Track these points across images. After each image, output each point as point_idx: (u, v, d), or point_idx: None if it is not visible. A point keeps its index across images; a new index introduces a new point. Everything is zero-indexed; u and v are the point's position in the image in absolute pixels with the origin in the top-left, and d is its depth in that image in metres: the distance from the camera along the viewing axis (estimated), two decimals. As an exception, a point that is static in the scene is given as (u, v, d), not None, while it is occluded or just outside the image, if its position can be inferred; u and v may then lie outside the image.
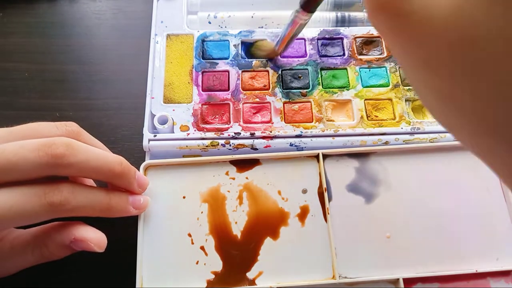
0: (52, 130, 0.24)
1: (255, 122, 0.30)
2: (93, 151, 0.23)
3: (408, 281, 0.25)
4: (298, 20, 0.28)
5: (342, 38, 0.34)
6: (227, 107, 0.31)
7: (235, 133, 0.30)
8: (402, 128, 0.30)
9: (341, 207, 0.27)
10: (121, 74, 0.35)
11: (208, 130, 0.30)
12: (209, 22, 0.35)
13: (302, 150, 0.30)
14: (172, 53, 0.33)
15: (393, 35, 0.15)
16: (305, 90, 0.31)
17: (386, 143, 0.29)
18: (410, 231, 0.27)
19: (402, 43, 0.15)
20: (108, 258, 0.24)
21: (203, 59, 0.33)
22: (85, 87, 0.35)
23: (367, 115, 0.31)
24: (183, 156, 0.30)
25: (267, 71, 0.32)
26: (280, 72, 0.32)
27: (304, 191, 0.28)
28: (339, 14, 0.35)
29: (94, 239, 0.23)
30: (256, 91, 0.31)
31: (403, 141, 0.29)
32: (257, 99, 0.31)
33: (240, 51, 0.33)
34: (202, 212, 0.27)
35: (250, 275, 0.26)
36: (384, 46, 0.33)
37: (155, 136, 0.29)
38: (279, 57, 0.33)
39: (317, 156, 0.28)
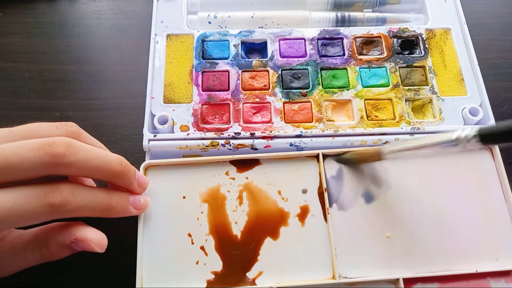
0: (52, 130, 0.24)
1: (255, 122, 0.30)
2: (93, 151, 0.23)
3: (408, 281, 0.25)
4: (462, 148, 0.21)
5: (342, 38, 0.34)
6: (227, 107, 0.31)
7: (235, 133, 0.30)
8: (402, 128, 0.30)
9: (341, 207, 0.27)
10: (121, 74, 0.35)
11: (208, 130, 0.30)
12: (209, 22, 0.35)
13: (302, 150, 0.30)
14: (172, 53, 0.33)
15: None
16: (305, 90, 0.31)
17: (386, 143, 0.29)
18: (410, 231, 0.27)
19: None
20: (108, 258, 0.24)
21: (203, 59, 0.33)
22: (85, 87, 0.35)
23: (367, 115, 0.31)
24: (183, 156, 0.30)
25: (267, 71, 0.32)
26: (280, 72, 0.32)
27: (304, 191, 0.28)
28: (339, 14, 0.35)
29: (95, 239, 0.23)
30: (256, 91, 0.31)
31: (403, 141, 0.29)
32: (257, 99, 0.31)
33: (240, 51, 0.33)
34: (202, 212, 0.27)
35: (250, 275, 0.26)
36: (384, 46, 0.33)
37: (155, 136, 0.29)
38: (279, 57, 0.33)
39: (317, 156, 0.28)
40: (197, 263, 0.26)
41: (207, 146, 0.29)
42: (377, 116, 0.31)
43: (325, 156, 0.28)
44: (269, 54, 0.33)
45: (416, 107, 0.32)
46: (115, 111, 0.34)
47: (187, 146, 0.29)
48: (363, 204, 0.27)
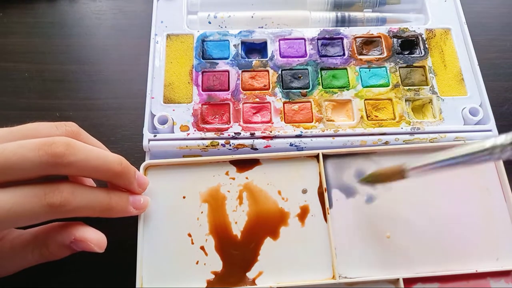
0: (52, 130, 0.24)
1: (255, 122, 0.30)
2: (93, 150, 0.23)
3: (408, 281, 0.25)
4: (496, 158, 0.19)
5: (342, 38, 0.34)
6: (227, 107, 0.31)
7: (235, 133, 0.30)
8: (402, 128, 0.30)
9: (341, 207, 0.27)
10: (121, 74, 0.35)
11: (208, 130, 0.30)
12: (209, 22, 0.35)
13: (302, 150, 0.30)
14: (172, 53, 0.33)
15: None
16: (305, 90, 0.31)
17: (386, 143, 0.29)
18: (410, 231, 0.27)
19: None
20: (108, 258, 0.24)
21: (203, 59, 0.33)
22: (85, 87, 0.35)
23: (367, 115, 0.31)
24: (183, 156, 0.30)
25: (267, 71, 0.32)
26: (280, 72, 0.32)
27: (304, 191, 0.28)
28: (339, 14, 0.35)
29: (94, 239, 0.23)
30: (256, 91, 0.31)
31: (403, 141, 0.29)
32: (257, 99, 0.31)
33: (240, 51, 0.33)
34: (202, 212, 0.27)
35: (250, 275, 0.26)
36: (384, 46, 0.33)
37: (155, 136, 0.29)
38: (279, 57, 0.33)
39: (317, 156, 0.28)
40: (197, 263, 0.26)
41: (207, 146, 0.29)
42: (377, 116, 0.31)
43: (325, 156, 0.28)
44: (269, 54, 0.33)
45: (416, 107, 0.32)
46: (115, 111, 0.34)
47: (187, 146, 0.29)
48: (363, 204, 0.27)
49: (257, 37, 0.34)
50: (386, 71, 0.32)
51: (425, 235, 0.27)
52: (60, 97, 0.34)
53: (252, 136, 0.29)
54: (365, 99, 0.31)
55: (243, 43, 0.34)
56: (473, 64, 0.32)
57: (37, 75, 0.35)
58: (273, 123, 0.30)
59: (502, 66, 0.36)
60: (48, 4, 0.39)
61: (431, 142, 0.29)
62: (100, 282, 0.27)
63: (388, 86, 0.32)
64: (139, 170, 0.27)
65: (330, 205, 0.27)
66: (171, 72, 0.32)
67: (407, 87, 0.32)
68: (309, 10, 0.35)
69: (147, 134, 0.29)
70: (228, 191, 0.28)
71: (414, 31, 0.34)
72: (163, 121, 0.30)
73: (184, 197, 0.27)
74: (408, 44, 0.34)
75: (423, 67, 0.33)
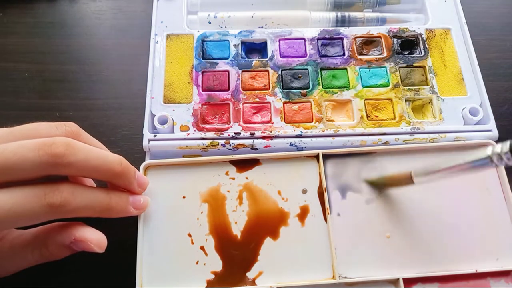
0: (52, 130, 0.24)
1: (255, 122, 0.30)
2: (93, 151, 0.23)
3: (408, 281, 0.25)
4: (498, 164, 0.20)
5: (342, 38, 0.34)
6: (227, 107, 0.31)
7: (235, 133, 0.30)
8: (402, 128, 0.30)
9: (341, 207, 0.27)
10: (121, 74, 0.35)
11: (208, 130, 0.30)
12: (209, 22, 0.35)
13: (302, 150, 0.30)
14: (172, 53, 0.33)
15: None
16: (305, 90, 0.31)
17: (386, 143, 0.29)
18: (410, 231, 0.27)
19: None
20: (108, 258, 0.24)
21: (203, 59, 0.33)
22: (85, 87, 0.35)
23: (367, 115, 0.31)
24: (183, 156, 0.30)
25: (267, 71, 0.32)
26: (280, 72, 0.32)
27: (304, 191, 0.28)
28: (339, 14, 0.35)
29: (94, 239, 0.23)
30: (256, 91, 0.31)
31: (403, 141, 0.29)
32: (257, 99, 0.31)
33: (240, 51, 0.33)
34: (202, 212, 0.27)
35: (250, 275, 0.26)
36: (384, 46, 0.33)
37: (155, 136, 0.29)
38: (279, 57, 0.33)
39: (317, 156, 0.28)
40: (197, 263, 0.26)
41: (207, 146, 0.29)
42: (377, 116, 0.31)
43: (325, 156, 0.28)
44: (269, 54, 0.33)
45: (416, 107, 0.32)
46: (115, 111, 0.34)
47: (187, 146, 0.29)
48: (363, 204, 0.27)
49: (257, 37, 0.34)
50: (386, 71, 0.32)
51: (425, 235, 0.27)
52: (60, 97, 0.34)
53: (252, 136, 0.29)
54: (365, 99, 0.31)
55: (243, 43, 0.34)
56: (473, 64, 0.32)
57: (37, 75, 0.35)
58: (273, 123, 0.30)
59: (502, 66, 0.36)
60: (48, 4, 0.39)
61: (431, 142, 0.29)
62: (100, 282, 0.27)
63: (388, 86, 0.32)
64: (139, 170, 0.27)
65: (330, 205, 0.27)
66: (171, 72, 0.32)
67: (407, 87, 0.32)
68: (309, 10, 0.35)
69: (147, 134, 0.29)
70: (228, 191, 0.28)
71: (414, 31, 0.34)
72: (163, 121, 0.30)
73: (184, 197, 0.27)
74: (408, 44, 0.34)
75: (423, 67, 0.33)
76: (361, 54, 0.33)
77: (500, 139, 0.30)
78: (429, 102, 0.32)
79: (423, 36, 0.34)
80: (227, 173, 0.28)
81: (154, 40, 0.33)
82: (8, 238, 0.24)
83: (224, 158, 0.28)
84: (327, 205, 0.27)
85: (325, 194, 0.27)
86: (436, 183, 0.27)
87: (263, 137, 0.29)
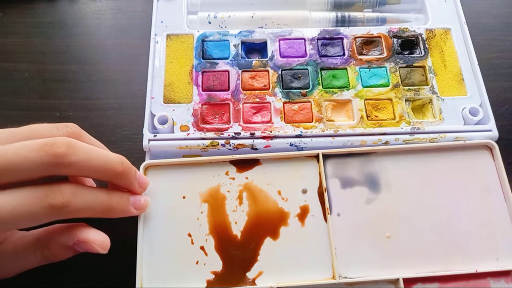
0: (53, 131, 0.24)
1: (255, 122, 0.30)
2: (94, 151, 0.23)
3: (408, 281, 0.25)
4: None
5: (342, 38, 0.34)
6: (227, 107, 0.31)
7: (235, 133, 0.30)
8: (402, 128, 0.30)
9: (341, 207, 0.27)
10: (121, 74, 0.35)
11: (208, 130, 0.30)
12: (209, 22, 0.35)
13: (302, 150, 0.30)
14: (172, 53, 0.33)
15: None
16: (305, 90, 0.31)
17: (386, 143, 0.29)
18: (410, 231, 0.27)
19: None
20: (108, 258, 0.24)
21: (203, 59, 0.33)
22: (85, 87, 0.35)
23: (367, 115, 0.31)
24: (183, 156, 0.30)
25: (267, 71, 0.32)
26: (280, 72, 0.32)
27: (304, 191, 0.28)
28: (339, 14, 0.35)
29: (98, 240, 0.23)
30: (256, 91, 0.31)
31: (403, 141, 0.29)
32: (257, 99, 0.31)
33: (240, 51, 0.33)
34: (202, 212, 0.27)
35: (250, 275, 0.26)
36: (384, 46, 0.33)
37: (155, 136, 0.29)
38: (279, 57, 0.33)
39: (317, 156, 0.28)
40: (197, 263, 0.26)
41: (207, 146, 0.29)
42: (377, 116, 0.31)
43: (325, 156, 0.28)
44: (269, 54, 0.33)
45: (416, 107, 0.32)
46: (115, 111, 0.34)
47: (187, 146, 0.29)
48: (363, 204, 0.27)
49: (257, 37, 0.34)
50: (386, 71, 0.32)
51: (425, 235, 0.27)
52: (60, 97, 0.34)
53: (252, 136, 0.29)
54: (365, 99, 0.31)
55: (243, 43, 0.34)
56: (473, 64, 0.32)
57: (37, 75, 0.35)
58: (273, 123, 0.30)
59: (502, 66, 0.36)
60: (48, 4, 0.39)
61: (431, 142, 0.29)
62: (101, 282, 0.27)
63: (388, 86, 0.32)
64: (139, 170, 0.27)
65: (330, 205, 0.27)
66: (171, 72, 0.32)
67: (407, 87, 0.32)
68: (309, 10, 0.35)
69: (147, 134, 0.29)
70: (228, 191, 0.28)
71: (414, 31, 0.34)
72: (163, 121, 0.30)
73: (184, 197, 0.27)
74: (408, 44, 0.34)
75: (423, 67, 0.33)
76: (361, 54, 0.33)
77: (500, 139, 0.30)
78: (429, 102, 0.32)
79: (423, 36, 0.34)
80: (227, 173, 0.28)
81: (154, 40, 0.33)
82: (10, 239, 0.24)
83: (224, 158, 0.28)
84: (327, 205, 0.27)
85: (325, 194, 0.27)
86: (435, 183, 0.27)
87: (263, 137, 0.30)
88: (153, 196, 0.27)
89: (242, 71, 0.32)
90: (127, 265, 0.26)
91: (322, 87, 0.32)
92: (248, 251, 0.26)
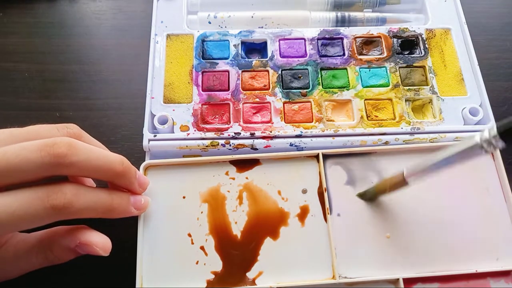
0: (53, 132, 0.24)
1: (255, 122, 0.30)
2: (95, 151, 0.23)
3: (408, 281, 0.25)
4: (487, 151, 0.20)
5: (342, 38, 0.34)
6: (227, 107, 0.31)
7: (235, 133, 0.30)
8: (402, 128, 0.30)
9: (341, 207, 0.27)
10: (121, 74, 0.35)
11: (208, 130, 0.30)
12: (209, 22, 0.35)
13: (302, 150, 0.30)
14: (172, 53, 0.33)
15: None
16: (305, 90, 0.31)
17: (386, 143, 0.29)
18: (410, 231, 0.27)
19: None
20: (109, 258, 0.24)
21: (203, 59, 0.33)
22: (85, 87, 0.35)
23: (367, 115, 0.31)
24: (183, 156, 0.30)
25: (267, 71, 0.32)
26: (280, 72, 0.32)
27: (304, 191, 0.28)
28: (339, 14, 0.35)
29: (99, 243, 0.23)
30: (256, 91, 0.31)
31: (403, 141, 0.29)
32: (257, 99, 0.31)
33: (240, 51, 0.33)
34: (202, 212, 0.27)
35: (250, 275, 0.26)
36: (384, 46, 0.33)
37: (155, 136, 0.29)
38: (279, 57, 0.33)
39: (317, 156, 0.28)
40: (197, 263, 0.26)
41: (207, 146, 0.29)
42: (377, 116, 0.31)
43: (325, 156, 0.28)
44: (269, 54, 0.33)
45: (416, 107, 0.32)
46: (115, 111, 0.34)
47: (187, 146, 0.29)
48: (363, 204, 0.27)
49: (257, 37, 0.34)
50: (386, 71, 0.32)
51: (425, 235, 0.27)
52: (60, 97, 0.34)
53: (252, 136, 0.30)
54: (365, 99, 0.31)
55: (243, 43, 0.34)
56: (473, 64, 0.32)
57: (37, 75, 0.35)
58: (273, 123, 0.30)
59: (502, 66, 0.36)
60: (48, 4, 0.39)
61: (431, 142, 0.29)
62: (100, 282, 0.27)
63: (388, 86, 0.32)
64: (139, 170, 0.27)
65: (330, 205, 0.27)
66: (171, 72, 0.32)
67: (407, 87, 0.32)
68: (309, 10, 0.35)
69: (147, 134, 0.29)
70: (228, 191, 0.28)
71: (414, 31, 0.34)
72: (163, 121, 0.30)
73: (184, 197, 0.27)
74: (408, 44, 0.34)
75: (423, 67, 0.33)
76: (361, 54, 0.33)
77: (500, 139, 0.29)
78: (429, 102, 0.32)
79: (423, 36, 0.34)
80: (227, 173, 0.28)
81: (154, 40, 0.33)
82: (12, 242, 0.24)
83: (224, 158, 0.28)
84: (327, 205, 0.27)
85: (325, 194, 0.27)
86: (434, 183, 0.28)
87: (263, 137, 0.30)
88: (153, 196, 0.27)
89: (242, 71, 0.32)
90: (127, 265, 0.26)
91: (322, 87, 0.32)
92: (248, 251, 0.26)
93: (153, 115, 0.30)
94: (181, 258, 0.26)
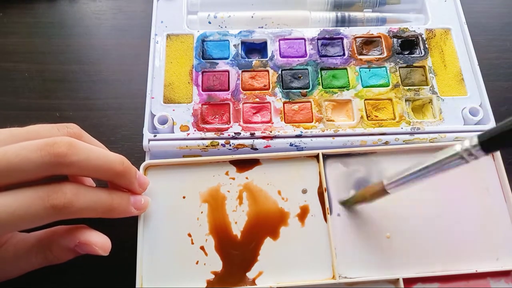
0: (53, 132, 0.24)
1: (255, 122, 0.30)
2: (95, 150, 0.23)
3: (408, 281, 0.25)
4: (467, 161, 0.20)
5: (342, 38, 0.34)
6: (227, 107, 0.31)
7: (235, 133, 0.30)
8: (402, 128, 0.30)
9: (341, 207, 0.27)
10: (121, 74, 0.35)
11: (208, 130, 0.30)
12: (209, 22, 0.35)
13: (302, 150, 0.30)
14: (172, 53, 0.33)
15: None
16: (305, 90, 0.31)
17: (386, 143, 0.29)
18: (410, 231, 0.27)
19: None
20: (109, 258, 0.24)
21: (203, 59, 0.33)
22: (85, 87, 0.35)
23: (367, 115, 0.31)
24: (183, 156, 0.30)
25: (267, 71, 0.32)
26: (280, 72, 0.32)
27: (304, 191, 0.28)
28: (339, 14, 0.35)
29: (99, 242, 0.23)
30: (256, 91, 0.31)
31: (403, 141, 0.29)
32: (257, 99, 0.31)
33: (240, 51, 0.33)
34: (202, 212, 0.27)
35: (250, 275, 0.26)
36: (384, 46, 0.33)
37: (155, 136, 0.29)
38: (279, 57, 0.33)
39: (317, 156, 0.28)
40: (197, 263, 0.26)
41: (207, 146, 0.29)
42: (377, 116, 0.31)
43: (325, 156, 0.28)
44: (269, 54, 0.33)
45: (416, 107, 0.32)
46: (115, 111, 0.34)
47: (187, 146, 0.29)
48: (363, 204, 0.27)
49: (257, 37, 0.34)
50: (386, 71, 0.32)
51: (425, 235, 0.27)
52: (60, 97, 0.34)
53: (252, 136, 0.29)
54: (365, 99, 0.31)
55: (243, 43, 0.34)
56: (473, 64, 0.32)
57: (37, 75, 0.35)
58: (273, 123, 0.30)
59: (502, 66, 0.36)
60: (48, 4, 0.39)
61: (431, 142, 0.29)
62: (100, 282, 0.27)
63: (388, 86, 0.32)
64: (139, 170, 0.27)
65: (330, 205, 0.27)
66: (171, 72, 0.32)
67: (407, 87, 0.32)
68: (309, 10, 0.35)
69: (147, 134, 0.29)
70: (228, 191, 0.28)
71: (414, 31, 0.34)
72: (163, 121, 0.30)
73: (184, 197, 0.27)
74: (408, 44, 0.34)
75: (423, 67, 0.33)
76: (361, 54, 0.33)
77: (500, 139, 0.29)
78: (429, 102, 0.32)
79: (423, 36, 0.34)
80: (227, 173, 0.28)
81: (154, 40, 0.33)
82: (11, 241, 0.24)
83: (224, 158, 0.28)
84: (327, 205, 0.27)
85: (325, 194, 0.27)
86: (435, 183, 0.27)
87: (263, 137, 0.30)
88: (153, 196, 0.27)
89: (242, 71, 0.32)
90: (127, 265, 0.26)
91: (322, 87, 0.32)
92: (248, 251, 0.26)
93: (153, 115, 0.30)
94: (181, 258, 0.26)
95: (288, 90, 0.31)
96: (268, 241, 0.26)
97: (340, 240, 0.26)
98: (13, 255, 0.23)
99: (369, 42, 0.34)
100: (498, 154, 0.28)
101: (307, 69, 0.32)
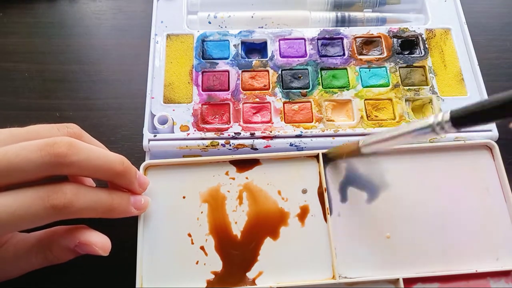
0: (53, 132, 0.24)
1: (255, 122, 0.30)
2: (95, 150, 0.23)
3: (408, 281, 0.26)
4: (438, 133, 0.21)
5: (342, 38, 0.34)
6: (227, 107, 0.31)
7: (235, 133, 0.30)
8: (402, 128, 0.30)
9: (341, 207, 0.27)
10: (121, 74, 0.35)
11: (208, 130, 0.30)
12: (209, 22, 0.35)
13: (302, 150, 0.30)
14: (172, 53, 0.33)
15: None
16: (305, 90, 0.31)
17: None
18: (410, 231, 0.27)
19: None
20: (109, 258, 0.24)
21: (203, 59, 0.33)
22: (85, 87, 0.35)
23: (367, 115, 0.31)
24: (183, 156, 0.30)
25: (267, 71, 0.32)
26: (280, 72, 0.32)
27: (304, 191, 0.28)
28: (339, 14, 0.35)
29: (99, 243, 0.23)
30: (256, 91, 0.31)
31: (403, 141, 0.29)
32: (257, 99, 0.31)
33: (240, 51, 0.33)
34: (202, 212, 0.27)
35: (250, 275, 0.26)
36: (384, 46, 0.33)
37: (155, 136, 0.29)
38: (279, 57, 0.33)
39: (317, 156, 0.28)
40: (197, 263, 0.26)
41: (207, 146, 0.29)
42: (377, 116, 0.31)
43: (325, 156, 0.28)
44: (269, 54, 0.33)
45: (416, 107, 0.32)
46: (115, 111, 0.34)
47: (187, 146, 0.29)
48: (363, 204, 0.27)
49: (257, 37, 0.34)
50: (386, 71, 0.32)
51: (425, 235, 0.27)
52: (60, 97, 0.34)
53: (252, 136, 0.30)
54: (365, 99, 0.31)
55: (243, 43, 0.34)
56: (473, 64, 0.32)
57: (37, 75, 0.35)
58: (273, 123, 0.30)
59: (502, 66, 0.36)
60: (48, 4, 0.39)
61: (431, 142, 0.29)
62: (100, 282, 0.27)
63: (388, 86, 0.32)
64: (139, 170, 0.27)
65: (330, 205, 0.27)
66: (171, 72, 0.32)
67: (407, 87, 0.32)
68: (309, 10, 0.35)
69: (147, 134, 0.29)
70: (228, 191, 0.28)
71: (414, 31, 0.34)
72: (163, 121, 0.30)
73: (184, 197, 0.27)
74: (408, 44, 0.34)
75: (423, 67, 0.33)
76: (361, 54, 0.33)
77: (500, 139, 0.30)
78: (429, 102, 0.32)
79: (423, 36, 0.34)
80: (227, 173, 0.28)
81: (154, 40, 0.33)
82: (12, 242, 0.24)
83: (224, 158, 0.28)
84: (327, 205, 0.27)
85: (325, 194, 0.27)
86: (435, 182, 0.28)
87: (263, 137, 0.30)
88: (153, 196, 0.27)
89: (242, 71, 0.32)
90: (127, 265, 0.26)
91: (322, 87, 0.32)
92: (248, 251, 0.26)
93: (153, 115, 0.30)
94: (181, 258, 0.26)
95: (288, 90, 0.31)
96: (268, 241, 0.26)
97: (340, 240, 0.26)
98: (13, 255, 0.23)
99: (369, 42, 0.34)
100: (498, 154, 0.28)
101: (307, 69, 0.32)
